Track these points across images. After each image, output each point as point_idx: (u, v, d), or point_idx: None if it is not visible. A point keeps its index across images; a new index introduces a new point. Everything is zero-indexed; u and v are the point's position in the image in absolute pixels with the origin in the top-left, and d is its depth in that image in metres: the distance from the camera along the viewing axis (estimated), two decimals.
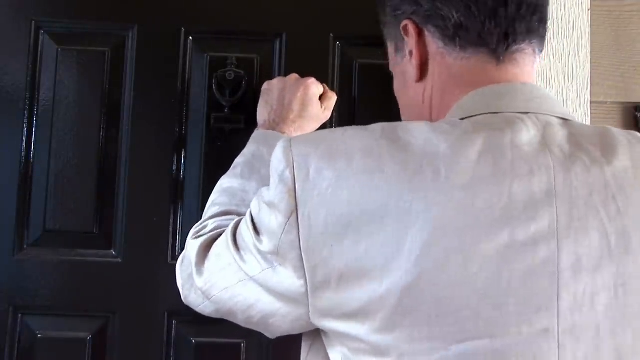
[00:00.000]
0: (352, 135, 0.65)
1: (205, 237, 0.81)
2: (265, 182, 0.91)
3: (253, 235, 0.69)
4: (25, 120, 1.24)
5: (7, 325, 1.21)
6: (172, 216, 1.23)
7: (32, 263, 1.22)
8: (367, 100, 1.27)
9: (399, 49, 0.79)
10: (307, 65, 1.25)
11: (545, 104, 0.69)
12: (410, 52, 0.76)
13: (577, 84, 1.20)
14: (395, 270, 0.59)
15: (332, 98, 1.12)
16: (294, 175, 0.64)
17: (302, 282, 0.64)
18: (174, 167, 1.24)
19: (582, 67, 1.20)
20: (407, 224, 0.59)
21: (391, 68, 0.84)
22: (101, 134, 1.25)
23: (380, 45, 1.33)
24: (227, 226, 0.77)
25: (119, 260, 1.23)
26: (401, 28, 0.75)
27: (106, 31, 1.27)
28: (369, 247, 0.60)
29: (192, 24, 1.26)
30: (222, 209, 0.90)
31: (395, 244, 0.60)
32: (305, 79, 1.09)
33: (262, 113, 1.09)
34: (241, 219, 0.75)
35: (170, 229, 1.23)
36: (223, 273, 0.74)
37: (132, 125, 1.24)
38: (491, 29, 0.70)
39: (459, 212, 0.59)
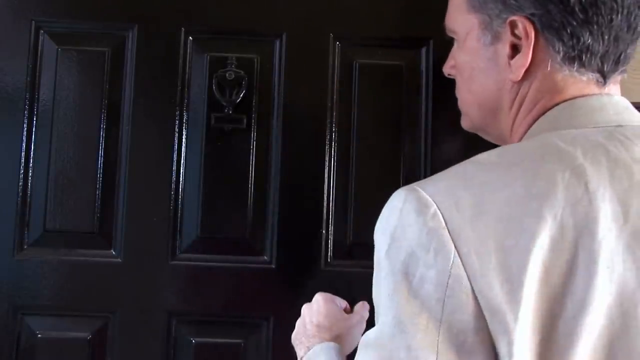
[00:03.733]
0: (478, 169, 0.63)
1: None
2: None
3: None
4: (25, 120, 1.24)
5: (7, 325, 1.21)
6: (172, 216, 1.24)
7: (32, 263, 1.22)
8: (366, 100, 1.26)
9: (491, 29, 0.72)
10: (307, 65, 1.25)
11: (633, 115, 0.69)
12: (514, 47, 0.70)
13: None
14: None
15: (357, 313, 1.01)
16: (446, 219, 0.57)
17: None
18: (174, 167, 1.24)
19: None
20: (588, 237, 0.58)
21: (461, 32, 0.77)
22: (101, 134, 1.25)
23: (380, 45, 1.33)
24: None
25: (119, 260, 1.23)
26: (509, 21, 0.69)
27: (106, 31, 1.27)
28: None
29: (192, 24, 1.26)
30: None
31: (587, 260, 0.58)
32: (316, 298, 0.97)
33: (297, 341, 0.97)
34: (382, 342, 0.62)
35: (170, 229, 1.23)
36: None
37: (132, 125, 1.24)
38: (609, 54, 0.68)
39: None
